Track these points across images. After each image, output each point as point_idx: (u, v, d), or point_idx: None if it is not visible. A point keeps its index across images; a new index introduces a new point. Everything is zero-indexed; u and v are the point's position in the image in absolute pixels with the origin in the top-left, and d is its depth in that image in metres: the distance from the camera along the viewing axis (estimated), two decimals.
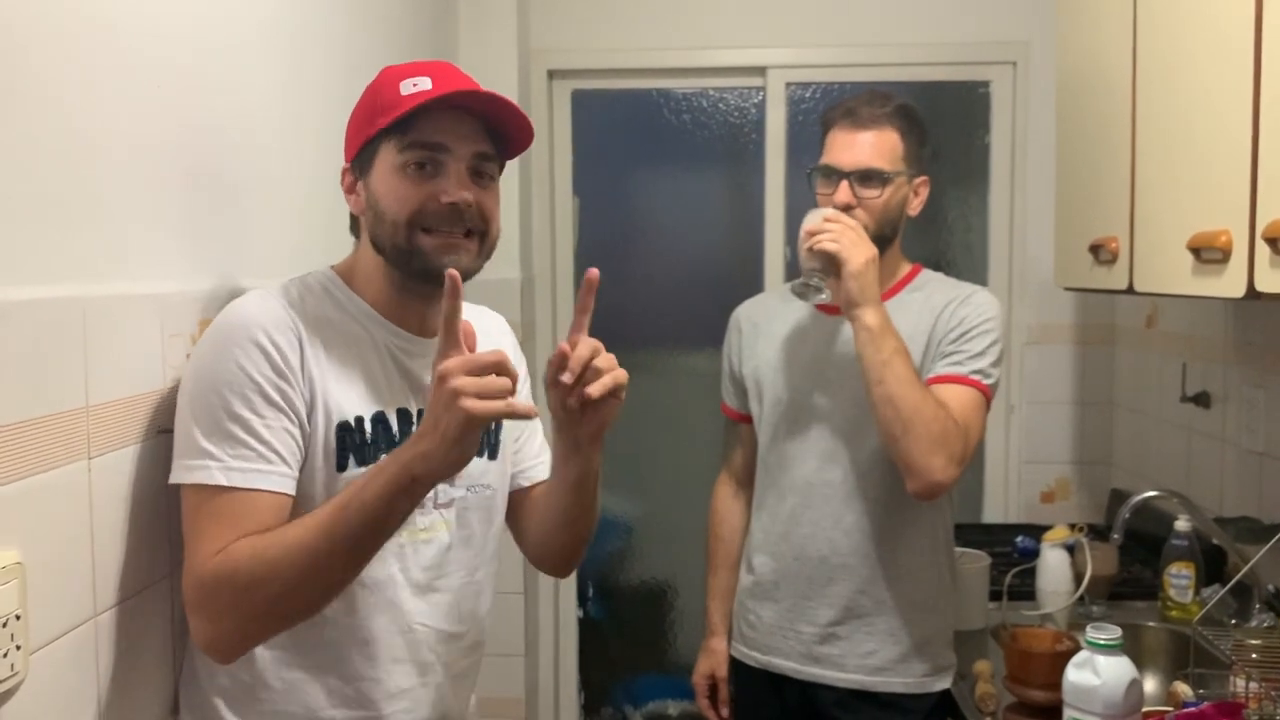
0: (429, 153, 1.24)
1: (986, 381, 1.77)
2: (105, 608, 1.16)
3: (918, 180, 1.86)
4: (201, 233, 1.38)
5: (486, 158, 1.28)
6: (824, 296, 1.75)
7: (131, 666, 1.21)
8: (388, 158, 1.25)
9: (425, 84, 1.23)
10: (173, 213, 1.31)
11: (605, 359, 1.20)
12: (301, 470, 1.21)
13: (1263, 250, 1.40)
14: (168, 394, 1.25)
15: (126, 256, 1.21)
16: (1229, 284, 1.50)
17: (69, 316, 1.09)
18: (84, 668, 1.13)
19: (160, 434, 1.23)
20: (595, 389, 1.19)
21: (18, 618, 1.00)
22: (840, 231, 1.71)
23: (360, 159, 1.29)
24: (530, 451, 1.53)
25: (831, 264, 1.72)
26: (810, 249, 1.73)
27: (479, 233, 1.28)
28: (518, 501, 1.52)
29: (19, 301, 1.01)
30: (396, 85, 1.24)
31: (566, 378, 1.19)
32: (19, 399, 1.01)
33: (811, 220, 1.75)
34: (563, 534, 1.44)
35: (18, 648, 1.00)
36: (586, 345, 1.19)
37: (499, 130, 1.29)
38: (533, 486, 1.52)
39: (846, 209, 1.78)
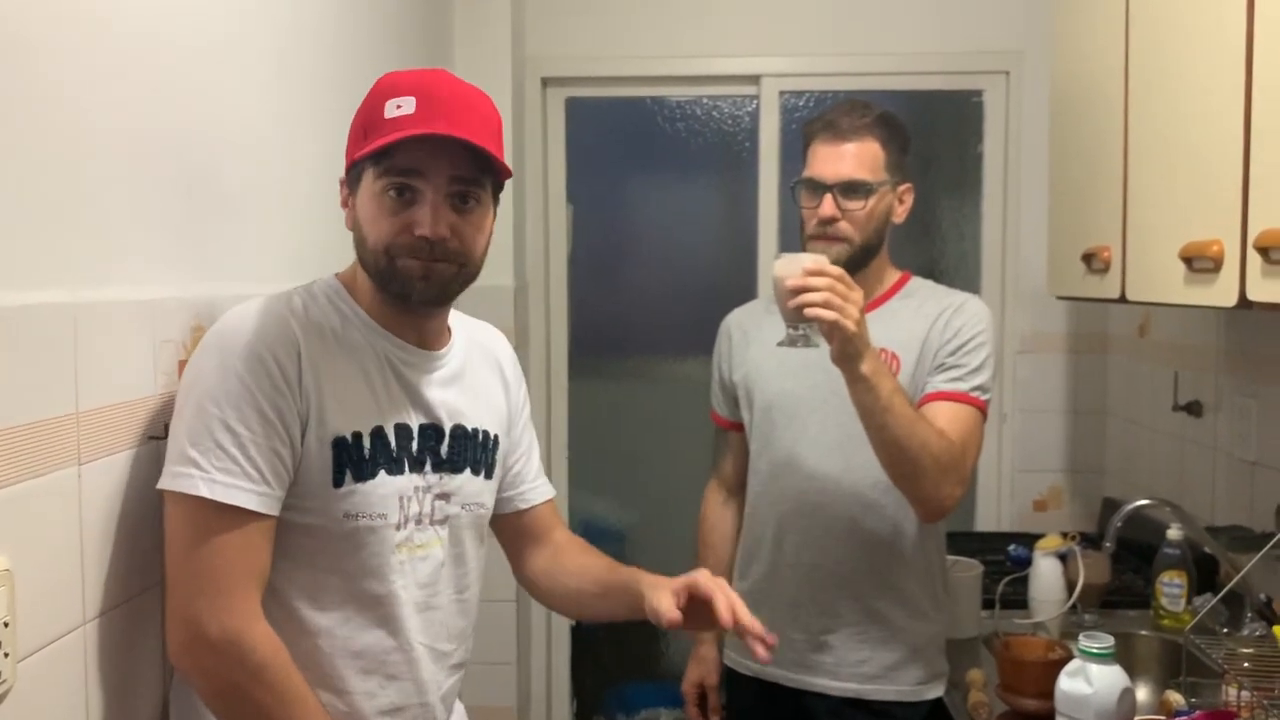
0: (404, 179, 1.21)
1: (985, 398, 1.78)
2: (94, 615, 1.15)
3: (902, 188, 1.85)
4: (195, 238, 1.37)
5: (467, 181, 1.24)
6: (818, 348, 1.62)
7: (121, 674, 1.20)
8: (368, 182, 1.24)
9: (409, 106, 1.19)
10: (166, 218, 1.30)
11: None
12: (295, 486, 1.20)
13: (1254, 260, 1.41)
14: (158, 401, 1.25)
15: (118, 262, 1.20)
16: (1221, 293, 1.50)
17: (60, 322, 1.08)
18: (73, 676, 1.12)
19: (150, 440, 1.23)
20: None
21: (6, 625, 0.99)
22: (828, 295, 1.53)
23: (350, 176, 1.28)
24: (529, 473, 1.53)
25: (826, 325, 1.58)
26: (797, 309, 1.55)
27: (458, 263, 1.25)
28: (516, 525, 1.53)
29: (9, 307, 1.00)
30: (383, 105, 1.21)
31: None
32: (8, 404, 1.00)
33: (788, 270, 1.56)
34: (581, 614, 1.68)
35: (5, 655, 0.99)
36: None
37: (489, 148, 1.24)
38: (530, 509, 1.52)
39: (831, 222, 1.78)
